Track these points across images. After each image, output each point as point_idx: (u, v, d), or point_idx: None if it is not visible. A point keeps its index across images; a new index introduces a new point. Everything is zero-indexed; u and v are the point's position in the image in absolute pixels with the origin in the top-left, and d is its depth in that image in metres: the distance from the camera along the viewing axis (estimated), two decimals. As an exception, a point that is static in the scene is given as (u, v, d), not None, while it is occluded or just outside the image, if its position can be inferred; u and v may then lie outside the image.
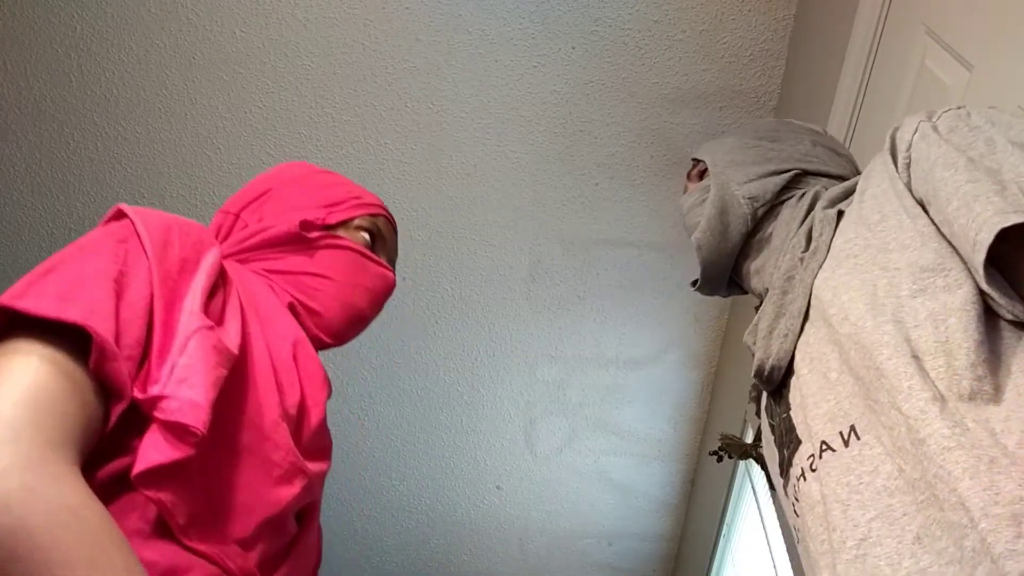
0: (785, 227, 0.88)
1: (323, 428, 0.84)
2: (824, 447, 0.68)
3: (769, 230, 0.92)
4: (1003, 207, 0.59)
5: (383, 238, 1.03)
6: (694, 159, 1.06)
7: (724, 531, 2.34)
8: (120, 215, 0.76)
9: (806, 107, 1.73)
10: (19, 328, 0.63)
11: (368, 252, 0.98)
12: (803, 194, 0.91)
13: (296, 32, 1.91)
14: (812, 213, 0.86)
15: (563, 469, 2.62)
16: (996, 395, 0.59)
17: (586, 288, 2.25)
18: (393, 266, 1.07)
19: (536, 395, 2.45)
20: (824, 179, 0.94)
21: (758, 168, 0.94)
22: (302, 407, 0.85)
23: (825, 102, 1.56)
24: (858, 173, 0.98)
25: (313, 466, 0.84)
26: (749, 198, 0.92)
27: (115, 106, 2.02)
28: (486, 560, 2.91)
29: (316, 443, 0.86)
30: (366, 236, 0.99)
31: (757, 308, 0.97)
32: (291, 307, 0.90)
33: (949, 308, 0.62)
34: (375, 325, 2.43)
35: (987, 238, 0.58)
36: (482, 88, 1.96)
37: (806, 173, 0.93)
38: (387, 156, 2.06)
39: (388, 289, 1.01)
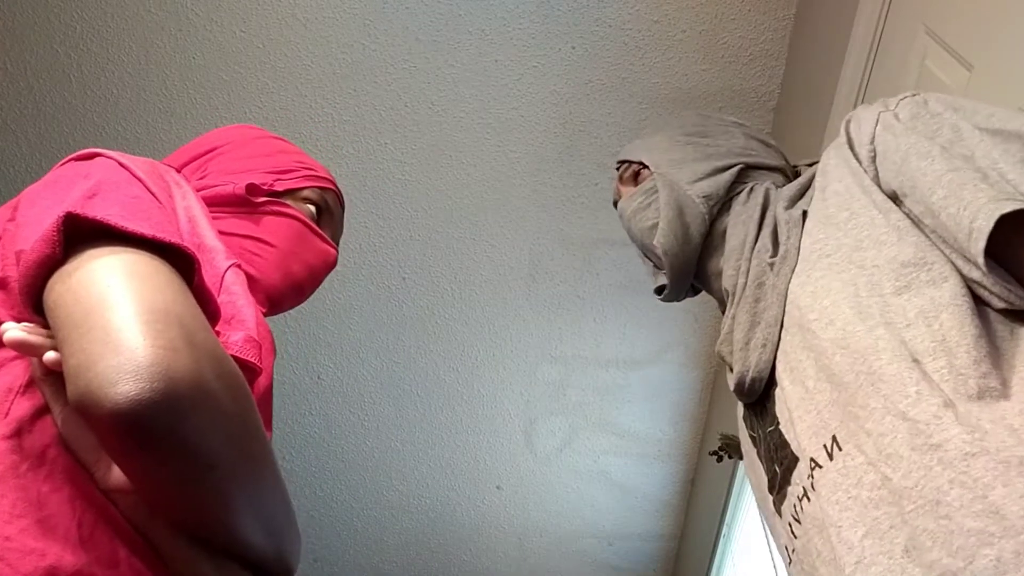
0: (742, 227, 0.86)
1: (269, 393, 0.82)
2: (813, 464, 0.65)
3: (722, 227, 0.91)
4: (994, 194, 0.57)
5: (330, 213, 1.00)
6: (623, 161, 1.04)
7: (724, 531, 2.34)
8: (94, 155, 0.75)
9: (806, 107, 1.73)
10: (83, 242, 0.61)
11: (312, 224, 0.95)
12: (751, 189, 0.90)
13: (296, 32, 1.91)
14: (769, 213, 0.84)
15: (563, 469, 2.62)
16: (1004, 390, 0.57)
17: (586, 288, 2.25)
18: (337, 244, 1.04)
19: (536, 395, 2.45)
20: (765, 172, 0.93)
21: (702, 165, 0.92)
22: None
23: (825, 102, 1.56)
24: (787, 162, 0.97)
25: None
26: (704, 196, 0.90)
27: (115, 106, 2.02)
28: (486, 560, 2.91)
29: (261, 409, 0.84)
30: (312, 208, 0.96)
31: (723, 312, 0.94)
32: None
33: (939, 304, 0.60)
34: (376, 325, 2.43)
35: (986, 225, 0.56)
36: (482, 88, 1.95)
37: (748, 167, 0.92)
38: (387, 156, 2.06)
39: (328, 265, 0.99)
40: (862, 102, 1.43)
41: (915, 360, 0.60)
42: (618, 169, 1.08)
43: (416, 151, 2.05)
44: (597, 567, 2.89)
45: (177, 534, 0.62)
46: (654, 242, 0.93)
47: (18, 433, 0.59)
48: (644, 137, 1.03)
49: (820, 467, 0.65)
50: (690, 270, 0.93)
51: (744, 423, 0.85)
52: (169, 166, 0.93)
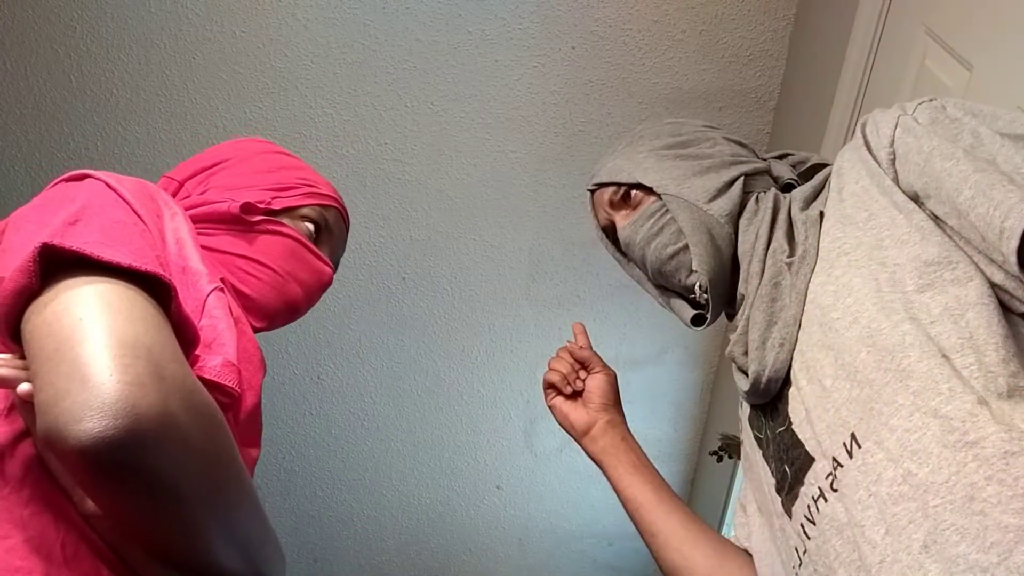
0: (752, 232, 0.85)
1: (257, 412, 0.83)
2: (835, 464, 0.65)
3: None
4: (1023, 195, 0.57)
5: (329, 231, 1.00)
6: (604, 184, 0.99)
7: (724, 531, 2.34)
8: (84, 177, 0.74)
9: (806, 107, 1.73)
10: (62, 270, 0.60)
11: (308, 243, 0.95)
12: (756, 198, 0.88)
13: (296, 32, 1.91)
14: (780, 215, 0.83)
15: (563, 469, 2.62)
16: None
17: (586, 288, 2.25)
18: (336, 261, 1.03)
19: (536, 395, 2.44)
20: (759, 177, 0.91)
21: (707, 181, 0.89)
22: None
23: (825, 102, 1.56)
24: (761, 159, 0.96)
25: (244, 452, 0.81)
26: (726, 215, 0.87)
27: (115, 106, 2.02)
28: (486, 560, 2.91)
29: (249, 428, 0.83)
30: (310, 227, 0.96)
31: (730, 317, 0.92)
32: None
33: (964, 302, 0.60)
34: (376, 325, 2.43)
35: (1018, 224, 0.56)
36: (482, 88, 1.95)
37: (746, 176, 0.90)
38: (387, 156, 2.06)
39: (322, 283, 0.99)
40: (862, 102, 1.43)
41: (944, 356, 0.59)
42: (593, 192, 1.03)
43: (416, 151, 2.05)
44: (597, 567, 2.89)
45: (153, 558, 0.62)
46: (694, 276, 0.88)
47: (0, 457, 0.60)
48: (620, 155, 0.98)
49: (841, 466, 0.64)
50: (726, 293, 0.89)
51: (749, 425, 0.84)
52: (172, 179, 0.94)
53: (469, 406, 2.51)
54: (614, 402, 1.05)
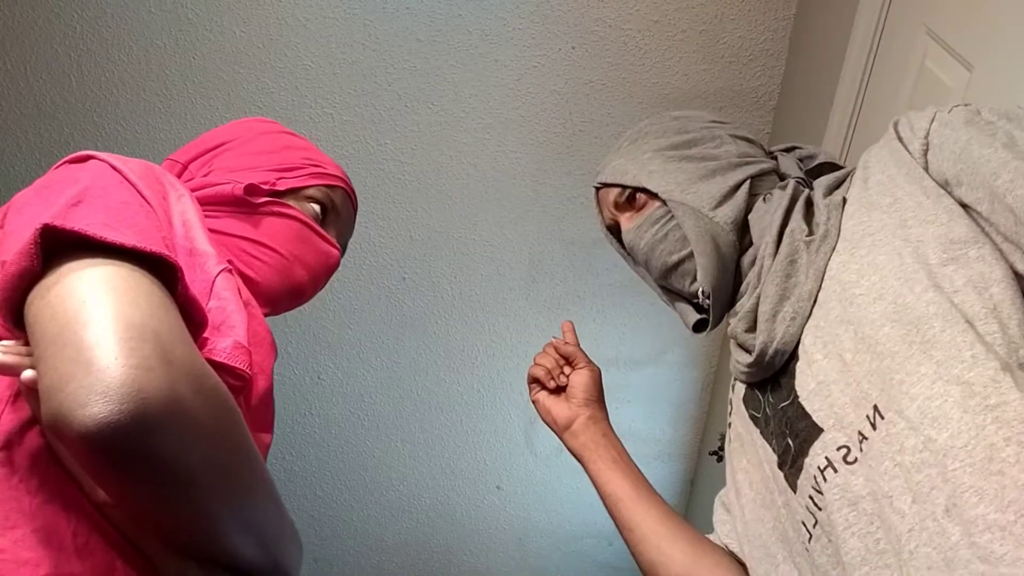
0: (768, 218, 0.84)
1: (269, 396, 0.81)
2: (861, 437, 0.66)
3: None
4: None
5: (336, 212, 0.98)
6: (613, 184, 0.98)
7: (724, 531, 2.34)
8: (87, 158, 0.73)
9: (806, 107, 1.73)
10: (65, 252, 0.59)
11: (314, 225, 0.93)
12: (764, 198, 0.88)
13: (296, 32, 1.91)
14: (800, 201, 0.83)
15: (563, 469, 2.62)
16: None
17: (586, 288, 2.25)
18: (344, 243, 1.01)
19: (536, 395, 2.44)
20: (766, 178, 0.91)
21: (712, 186, 0.88)
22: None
23: (825, 102, 1.56)
24: (769, 155, 0.96)
25: (256, 438, 0.80)
26: (731, 223, 0.86)
27: (115, 106, 2.02)
28: (486, 560, 2.91)
29: (261, 413, 0.82)
30: (316, 208, 0.94)
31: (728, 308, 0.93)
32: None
33: (988, 278, 0.61)
34: (376, 325, 2.42)
35: None
36: (482, 88, 1.95)
37: (752, 178, 0.89)
38: (387, 156, 2.06)
39: (329, 266, 0.96)
40: (862, 102, 1.43)
41: (968, 322, 0.60)
42: (598, 190, 1.02)
43: (416, 151, 2.05)
44: (597, 567, 2.89)
45: (167, 546, 0.61)
46: (697, 284, 0.88)
47: (8, 446, 0.59)
48: (625, 153, 0.97)
49: (866, 439, 0.65)
50: (727, 300, 0.89)
51: (744, 405, 0.84)
52: (176, 161, 0.92)
53: (469, 406, 2.51)
54: (597, 398, 1.05)
